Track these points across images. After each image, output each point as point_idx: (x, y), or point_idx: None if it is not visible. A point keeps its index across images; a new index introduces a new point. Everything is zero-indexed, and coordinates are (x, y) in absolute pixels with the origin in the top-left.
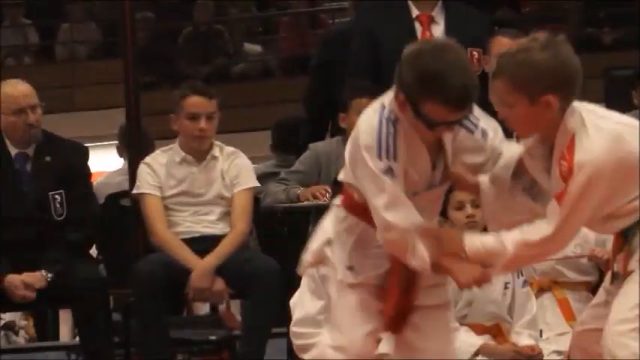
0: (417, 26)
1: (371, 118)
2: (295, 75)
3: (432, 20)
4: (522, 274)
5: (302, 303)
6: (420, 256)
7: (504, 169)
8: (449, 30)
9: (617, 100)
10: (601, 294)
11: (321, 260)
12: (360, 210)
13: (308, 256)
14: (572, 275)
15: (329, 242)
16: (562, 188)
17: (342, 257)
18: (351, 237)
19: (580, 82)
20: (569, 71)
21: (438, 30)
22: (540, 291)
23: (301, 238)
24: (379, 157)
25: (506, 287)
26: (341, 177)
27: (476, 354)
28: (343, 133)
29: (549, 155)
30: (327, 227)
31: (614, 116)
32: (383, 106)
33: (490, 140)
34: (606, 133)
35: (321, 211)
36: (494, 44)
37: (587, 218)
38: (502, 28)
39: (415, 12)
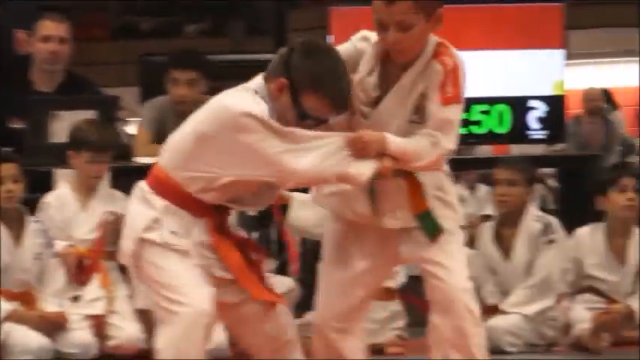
0: None
1: (243, 97)
2: None
3: None
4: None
5: None
6: (355, 173)
7: None
8: None
9: (152, 85)
10: None
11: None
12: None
13: (130, 245)
14: None
15: (155, 221)
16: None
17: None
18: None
19: None
20: None
21: None
22: None
23: None
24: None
25: (36, 258)
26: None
27: (5, 319)
28: None
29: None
30: (142, 211)
31: None
32: (254, 90)
33: None
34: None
35: None
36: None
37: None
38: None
39: None
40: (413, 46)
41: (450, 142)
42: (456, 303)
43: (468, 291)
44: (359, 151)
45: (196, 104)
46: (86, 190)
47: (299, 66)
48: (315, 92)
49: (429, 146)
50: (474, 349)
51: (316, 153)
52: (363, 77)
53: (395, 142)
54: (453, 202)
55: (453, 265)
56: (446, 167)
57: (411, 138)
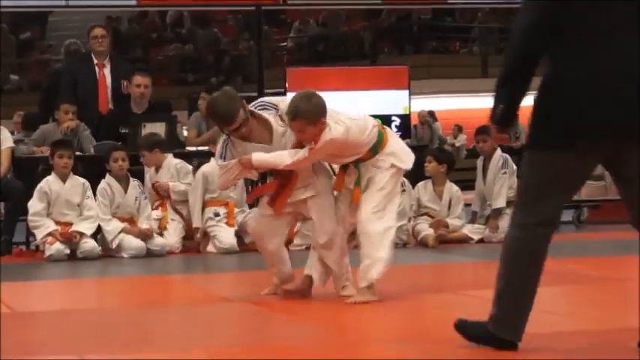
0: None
1: None
2: None
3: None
4: None
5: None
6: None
7: None
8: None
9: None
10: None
11: None
12: None
13: None
14: None
15: None
16: (313, 146)
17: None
18: None
19: None
20: (322, 101)
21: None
22: None
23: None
24: None
25: (136, 200)
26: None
27: (120, 232)
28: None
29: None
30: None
31: (348, 116)
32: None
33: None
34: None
35: None
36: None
37: (321, 157)
38: None
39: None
40: (310, 138)
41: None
42: None
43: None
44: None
45: None
46: (155, 168)
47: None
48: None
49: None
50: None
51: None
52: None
53: (257, 157)
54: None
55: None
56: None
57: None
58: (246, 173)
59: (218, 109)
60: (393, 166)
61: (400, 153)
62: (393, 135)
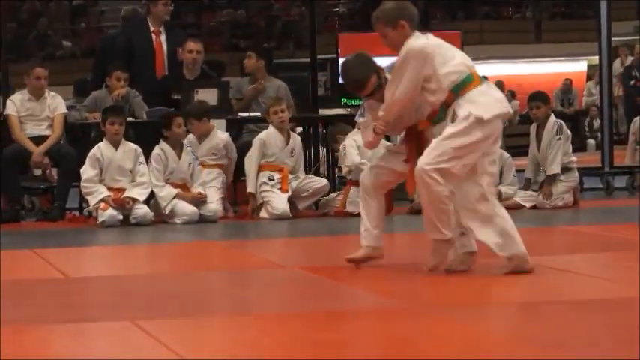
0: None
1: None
2: None
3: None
4: None
5: (85, 170)
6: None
7: None
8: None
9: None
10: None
11: None
12: None
13: None
14: None
15: None
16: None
17: None
18: None
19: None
20: (410, 7)
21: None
22: None
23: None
24: None
25: (189, 165)
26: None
27: (174, 197)
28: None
29: None
30: None
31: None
32: None
33: None
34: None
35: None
36: None
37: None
38: None
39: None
40: (393, 44)
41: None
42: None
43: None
44: None
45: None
46: (199, 136)
47: None
48: None
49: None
50: None
51: None
52: None
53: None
54: None
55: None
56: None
57: None
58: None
59: (350, 74)
60: (469, 115)
61: (483, 102)
62: (487, 87)
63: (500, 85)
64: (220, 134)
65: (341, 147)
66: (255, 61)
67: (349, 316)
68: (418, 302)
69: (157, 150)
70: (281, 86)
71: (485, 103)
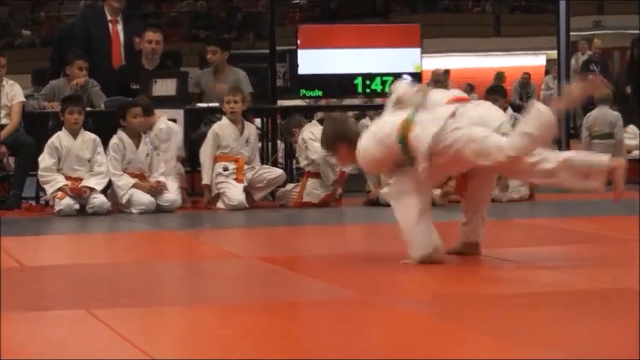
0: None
1: None
2: None
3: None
4: None
5: (42, 159)
6: None
7: None
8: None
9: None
10: None
11: None
12: None
13: None
14: None
15: None
16: None
17: None
18: None
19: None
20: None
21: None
22: None
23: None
24: None
25: (147, 155)
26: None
27: (131, 187)
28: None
29: None
30: None
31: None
32: None
33: None
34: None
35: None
36: None
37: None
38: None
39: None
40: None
41: None
42: None
43: None
44: None
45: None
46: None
47: None
48: None
49: None
50: None
51: None
52: None
53: None
54: None
55: None
56: None
57: None
58: None
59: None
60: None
61: (419, 139)
62: (418, 122)
63: (446, 74)
64: (164, 121)
65: (300, 140)
66: (220, 54)
67: (307, 306)
68: (375, 293)
69: (115, 139)
70: (240, 75)
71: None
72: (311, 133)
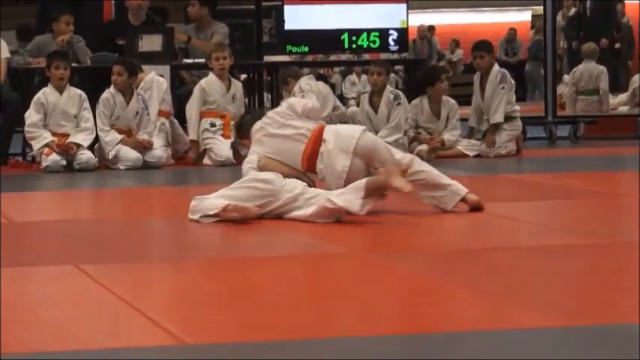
0: None
1: None
2: None
3: None
4: None
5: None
6: None
7: None
8: None
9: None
10: None
11: None
12: None
13: None
14: None
15: None
16: None
17: None
18: None
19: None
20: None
21: None
22: None
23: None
24: None
25: (137, 112)
26: None
27: (118, 143)
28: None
29: None
30: None
31: None
32: None
33: None
34: None
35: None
36: None
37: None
38: None
39: None
40: None
41: None
42: None
43: None
44: None
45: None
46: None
47: None
48: None
49: None
50: None
51: None
52: None
53: None
54: None
55: None
56: None
57: None
58: None
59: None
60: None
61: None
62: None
63: (431, 30)
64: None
65: (297, 88)
66: (198, 8)
67: (290, 260)
68: (360, 248)
69: (106, 94)
70: (218, 28)
71: None
72: (308, 85)
